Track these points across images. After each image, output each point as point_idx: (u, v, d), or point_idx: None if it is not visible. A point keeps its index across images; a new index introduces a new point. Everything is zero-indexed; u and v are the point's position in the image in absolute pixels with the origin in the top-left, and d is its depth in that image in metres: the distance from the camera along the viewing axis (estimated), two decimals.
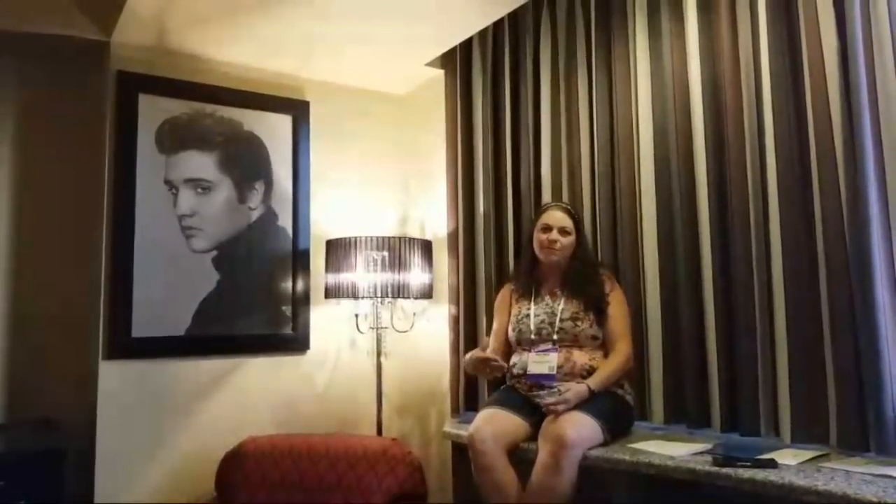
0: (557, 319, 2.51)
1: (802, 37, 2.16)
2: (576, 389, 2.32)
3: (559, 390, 2.35)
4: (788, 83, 2.21)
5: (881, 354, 1.93)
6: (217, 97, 3.22)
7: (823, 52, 2.10)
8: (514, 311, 2.65)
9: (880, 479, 1.75)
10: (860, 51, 2.01)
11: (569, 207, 2.66)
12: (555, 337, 2.49)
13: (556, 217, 2.59)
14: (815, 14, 2.13)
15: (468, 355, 2.67)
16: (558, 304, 2.54)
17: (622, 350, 2.46)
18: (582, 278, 2.55)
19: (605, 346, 2.50)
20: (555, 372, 2.42)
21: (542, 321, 2.53)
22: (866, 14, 2.03)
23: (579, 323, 2.49)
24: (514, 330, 2.61)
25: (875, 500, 1.62)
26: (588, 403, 2.31)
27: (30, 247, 3.06)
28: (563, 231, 2.57)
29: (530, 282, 2.65)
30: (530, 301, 2.61)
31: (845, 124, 2.04)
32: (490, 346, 2.68)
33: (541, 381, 2.44)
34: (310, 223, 3.41)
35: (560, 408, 2.27)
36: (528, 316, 2.58)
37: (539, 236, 2.60)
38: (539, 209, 2.74)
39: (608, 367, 2.43)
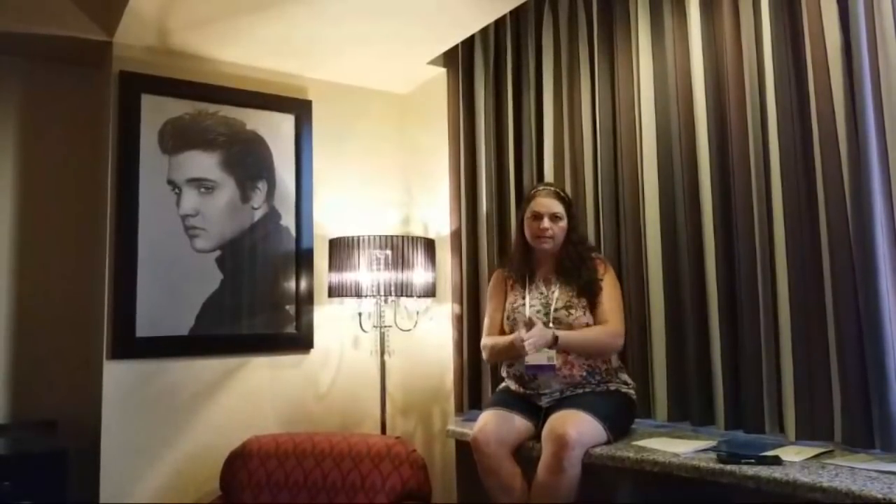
0: (552, 309, 2.46)
1: (806, 32, 2.15)
2: (541, 332, 2.32)
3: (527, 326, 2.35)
4: (791, 78, 2.20)
5: (886, 351, 1.92)
6: (219, 97, 3.23)
7: (827, 47, 2.09)
8: (510, 299, 2.58)
9: (885, 476, 1.75)
10: (864, 46, 2.00)
11: (558, 190, 2.55)
12: (550, 326, 2.41)
13: (546, 204, 2.49)
14: (818, 9, 2.12)
15: (490, 345, 2.55)
16: (552, 293, 2.49)
17: (608, 327, 2.41)
18: (576, 263, 2.48)
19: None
20: (554, 362, 2.35)
21: (538, 311, 2.46)
22: (870, 9, 2.02)
23: (573, 311, 2.44)
24: (508, 319, 2.54)
25: (880, 496, 1.61)
26: (590, 403, 2.31)
27: (33, 247, 3.07)
28: (553, 217, 2.49)
29: (524, 269, 2.58)
30: (524, 289, 2.55)
31: (849, 119, 2.03)
32: (486, 332, 2.63)
33: (540, 373, 2.39)
34: (313, 222, 3.41)
35: (527, 345, 2.27)
36: (522, 305, 2.51)
37: (530, 224, 2.52)
38: (527, 195, 2.62)
39: (584, 333, 2.40)
